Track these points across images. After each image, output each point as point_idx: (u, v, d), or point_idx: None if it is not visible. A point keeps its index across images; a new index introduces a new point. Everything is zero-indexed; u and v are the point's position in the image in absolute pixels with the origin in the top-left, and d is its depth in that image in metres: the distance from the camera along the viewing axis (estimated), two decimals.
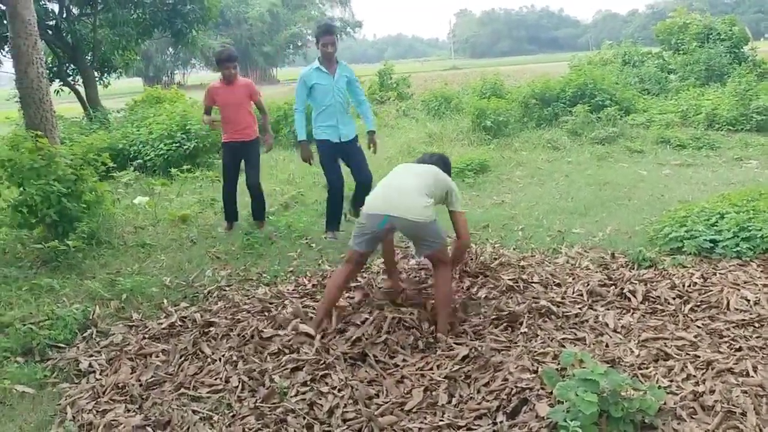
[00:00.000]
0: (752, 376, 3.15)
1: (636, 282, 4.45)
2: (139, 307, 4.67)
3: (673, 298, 4.19)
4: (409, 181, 3.97)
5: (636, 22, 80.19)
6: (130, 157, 10.50)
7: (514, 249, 5.50)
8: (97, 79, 16.55)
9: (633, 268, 4.82)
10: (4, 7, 10.51)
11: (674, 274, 4.59)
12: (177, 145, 10.33)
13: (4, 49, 14.83)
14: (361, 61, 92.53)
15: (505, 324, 3.97)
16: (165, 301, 4.75)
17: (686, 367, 3.31)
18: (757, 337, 3.58)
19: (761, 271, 4.54)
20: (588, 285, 4.45)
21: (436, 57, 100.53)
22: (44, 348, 3.96)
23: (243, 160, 6.57)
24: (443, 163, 4.48)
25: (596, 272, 4.78)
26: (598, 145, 10.57)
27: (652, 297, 4.23)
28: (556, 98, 13.18)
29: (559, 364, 3.20)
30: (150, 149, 10.46)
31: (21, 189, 5.76)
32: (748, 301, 4.04)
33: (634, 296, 4.24)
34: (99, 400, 3.37)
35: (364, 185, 5.92)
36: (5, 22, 11.18)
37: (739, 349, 3.46)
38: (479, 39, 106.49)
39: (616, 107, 12.41)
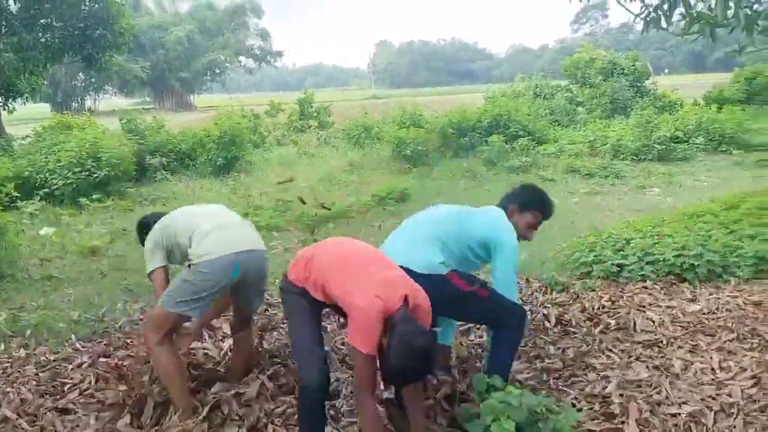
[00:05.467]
0: (662, 395, 3.30)
1: (549, 306, 4.60)
2: (45, 343, 4.41)
3: (584, 321, 4.36)
4: None
5: (546, 57, 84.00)
6: (36, 186, 10.00)
7: None
8: (0, 104, 15.75)
9: (546, 293, 4.98)
10: None
11: (585, 298, 4.78)
12: (87, 173, 9.94)
13: None
14: (282, 89, 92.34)
15: None
16: (72, 337, 4.51)
17: (599, 386, 3.44)
18: (662, 357, 3.76)
19: (664, 294, 4.79)
20: None
21: (357, 86, 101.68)
22: None
23: None
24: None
25: None
26: (513, 174, 10.95)
27: (565, 320, 4.39)
28: (473, 128, 13.62)
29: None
30: (58, 178, 10.01)
31: None
32: (653, 322, 4.25)
33: (548, 320, 4.38)
34: None
35: None
36: None
37: (647, 369, 3.62)
38: (398, 69, 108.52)
39: (529, 138, 12.94)
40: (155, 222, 3.47)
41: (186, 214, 3.47)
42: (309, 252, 2.99)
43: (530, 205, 3.57)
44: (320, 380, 2.74)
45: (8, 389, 3.71)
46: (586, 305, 4.60)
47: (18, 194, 8.50)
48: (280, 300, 3.24)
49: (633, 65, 19.24)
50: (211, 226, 3.28)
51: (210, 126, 13.68)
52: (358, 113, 18.14)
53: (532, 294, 4.96)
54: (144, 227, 3.57)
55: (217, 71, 63.00)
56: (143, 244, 3.48)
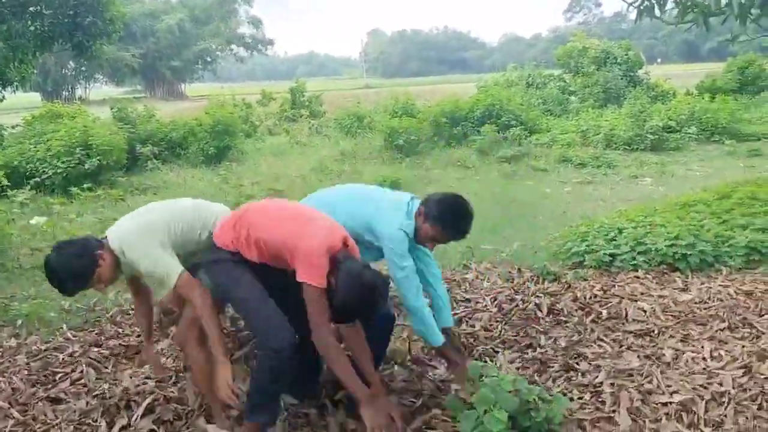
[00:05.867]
0: (653, 384, 3.31)
1: (541, 295, 4.61)
2: (36, 333, 4.39)
3: (576, 310, 4.37)
4: None
5: (539, 46, 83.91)
6: (26, 175, 9.92)
7: None
8: None
9: (538, 282, 4.99)
10: None
11: (576, 287, 4.79)
12: (77, 162, 9.87)
13: None
14: (274, 78, 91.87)
15: None
16: (64, 326, 4.49)
17: (590, 376, 3.45)
18: (653, 346, 3.78)
19: (656, 283, 4.81)
20: (496, 299, 4.58)
21: (348, 75, 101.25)
22: None
23: None
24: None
25: (504, 287, 4.92)
26: (504, 163, 10.94)
27: (556, 309, 4.40)
28: (465, 118, 13.59)
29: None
30: (48, 167, 9.94)
31: None
32: (645, 311, 4.26)
33: (540, 309, 4.39)
34: None
35: None
36: None
37: (639, 358, 3.64)
38: (390, 58, 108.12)
39: (521, 127, 12.93)
40: (98, 248, 2.89)
41: (163, 210, 3.08)
42: (236, 214, 2.93)
43: (439, 222, 3.18)
44: (293, 342, 2.67)
45: None
46: (578, 295, 4.61)
47: (8, 183, 8.43)
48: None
49: (626, 54, 19.23)
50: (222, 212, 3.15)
51: (201, 115, 13.60)
52: (350, 102, 18.08)
53: (524, 283, 4.96)
54: (85, 263, 2.85)
55: (209, 60, 62.66)
56: (75, 286, 2.90)
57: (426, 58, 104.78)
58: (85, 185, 9.40)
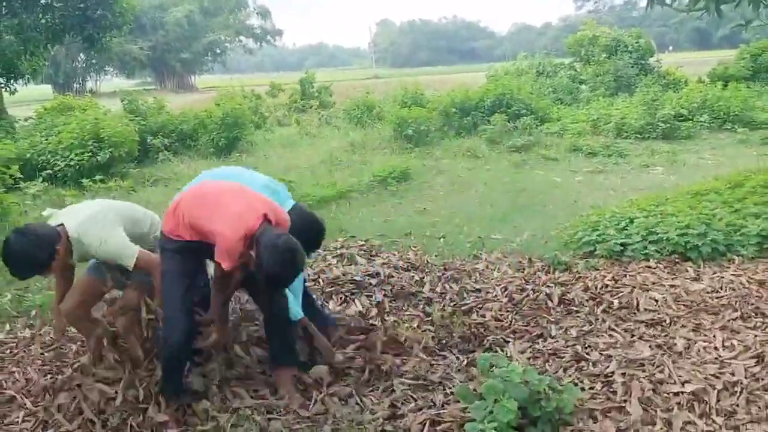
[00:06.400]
0: (665, 373, 3.30)
1: (552, 285, 4.60)
2: (50, 324, 4.43)
3: (587, 300, 4.36)
4: None
5: (549, 35, 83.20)
6: (39, 168, 9.99)
7: (435, 256, 5.58)
8: (2, 85, 15.68)
9: (549, 272, 4.98)
10: None
11: (587, 277, 4.77)
12: (89, 154, 9.92)
13: None
14: (283, 69, 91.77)
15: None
16: None
17: (601, 366, 3.45)
18: (665, 336, 3.76)
19: (668, 273, 4.78)
20: (506, 289, 4.58)
21: (358, 66, 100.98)
22: None
23: None
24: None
25: (514, 277, 4.92)
26: (515, 153, 10.89)
27: (567, 299, 4.39)
28: (475, 107, 13.53)
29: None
30: (60, 159, 10.00)
31: None
32: (656, 301, 4.25)
33: (551, 299, 4.38)
34: None
35: None
36: None
37: (650, 348, 3.62)
38: (400, 48, 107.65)
39: (531, 116, 12.85)
40: (54, 233, 3.08)
41: (124, 209, 3.43)
42: (176, 201, 3.16)
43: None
44: (184, 340, 3.12)
45: (14, 369, 3.75)
46: (589, 284, 4.60)
47: (21, 175, 8.49)
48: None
49: (637, 42, 19.05)
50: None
51: (211, 107, 13.62)
52: (360, 93, 18.04)
53: (535, 273, 4.95)
54: (43, 246, 3.02)
55: (218, 51, 62.63)
56: (32, 271, 3.12)
57: (435, 48, 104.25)
58: (96, 177, 9.45)
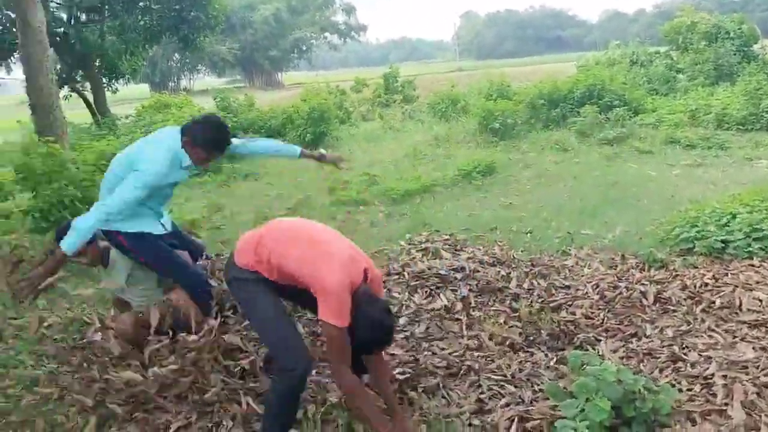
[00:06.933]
0: None
1: (647, 283, 4.42)
2: None
3: (685, 299, 4.16)
4: None
5: (643, 22, 79.72)
6: None
7: (522, 251, 5.49)
8: (104, 85, 16.66)
9: (643, 270, 4.79)
10: (14, 15, 10.58)
11: (685, 275, 4.56)
12: None
13: (14, 57, 14.97)
14: (366, 65, 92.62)
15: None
16: None
17: (700, 367, 3.29)
18: None
19: None
20: (598, 287, 4.45)
21: (441, 59, 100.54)
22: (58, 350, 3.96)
23: None
24: None
25: (606, 274, 4.76)
26: (606, 145, 10.54)
27: (663, 298, 4.21)
28: (564, 99, 13.17)
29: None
30: None
31: (33, 194, 5.81)
32: (761, 301, 4.00)
33: (645, 297, 4.21)
34: None
35: None
36: (14, 30, 11.29)
37: (754, 350, 3.43)
38: (484, 40, 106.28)
39: (624, 108, 12.38)
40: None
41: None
42: (255, 235, 2.89)
43: (203, 143, 3.46)
44: (307, 371, 2.79)
45: None
46: (687, 283, 4.39)
47: None
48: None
49: (739, 29, 17.94)
50: None
51: (298, 103, 13.94)
52: (444, 86, 17.95)
53: (628, 270, 4.78)
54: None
55: (304, 48, 64.02)
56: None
57: (521, 38, 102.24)
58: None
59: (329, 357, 2.81)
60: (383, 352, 2.94)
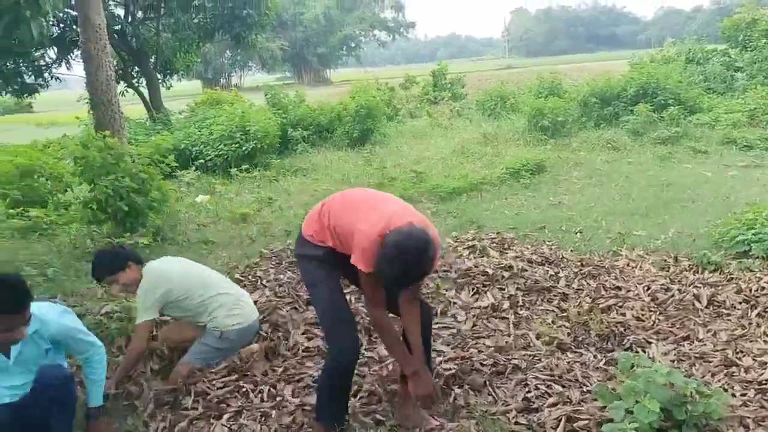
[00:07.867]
0: None
1: (700, 286, 4.34)
2: None
3: (740, 303, 4.06)
4: None
5: (700, 19, 77.37)
6: (192, 157, 10.81)
7: (571, 251, 5.43)
8: (159, 81, 17.09)
9: (697, 272, 4.69)
10: (74, 13, 10.97)
11: (740, 278, 4.45)
12: (236, 145, 10.59)
13: (74, 53, 15.52)
14: (414, 61, 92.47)
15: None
16: None
17: (755, 372, 3.21)
18: None
19: None
20: (649, 288, 4.37)
21: (490, 56, 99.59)
22: (114, 338, 4.11)
23: None
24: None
25: (658, 275, 4.67)
26: (660, 145, 10.31)
27: (717, 301, 4.12)
28: (617, 97, 12.92)
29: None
30: (210, 149, 10.76)
31: (91, 186, 6.04)
32: None
33: (699, 300, 4.13)
34: None
35: None
36: (75, 27, 11.70)
37: None
38: (535, 37, 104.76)
39: (679, 107, 12.07)
40: (131, 261, 3.55)
41: (187, 275, 3.62)
42: (318, 205, 2.94)
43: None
44: (356, 358, 2.88)
45: None
46: (743, 286, 4.28)
47: (176, 165, 9.24)
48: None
49: None
50: (235, 293, 3.70)
51: (346, 100, 14.03)
52: (492, 84, 17.80)
53: (681, 273, 4.69)
54: (115, 260, 3.53)
55: (353, 45, 64.33)
56: (98, 273, 3.54)
57: (573, 35, 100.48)
58: (243, 166, 10.08)
59: (365, 297, 2.92)
60: (417, 299, 2.85)
